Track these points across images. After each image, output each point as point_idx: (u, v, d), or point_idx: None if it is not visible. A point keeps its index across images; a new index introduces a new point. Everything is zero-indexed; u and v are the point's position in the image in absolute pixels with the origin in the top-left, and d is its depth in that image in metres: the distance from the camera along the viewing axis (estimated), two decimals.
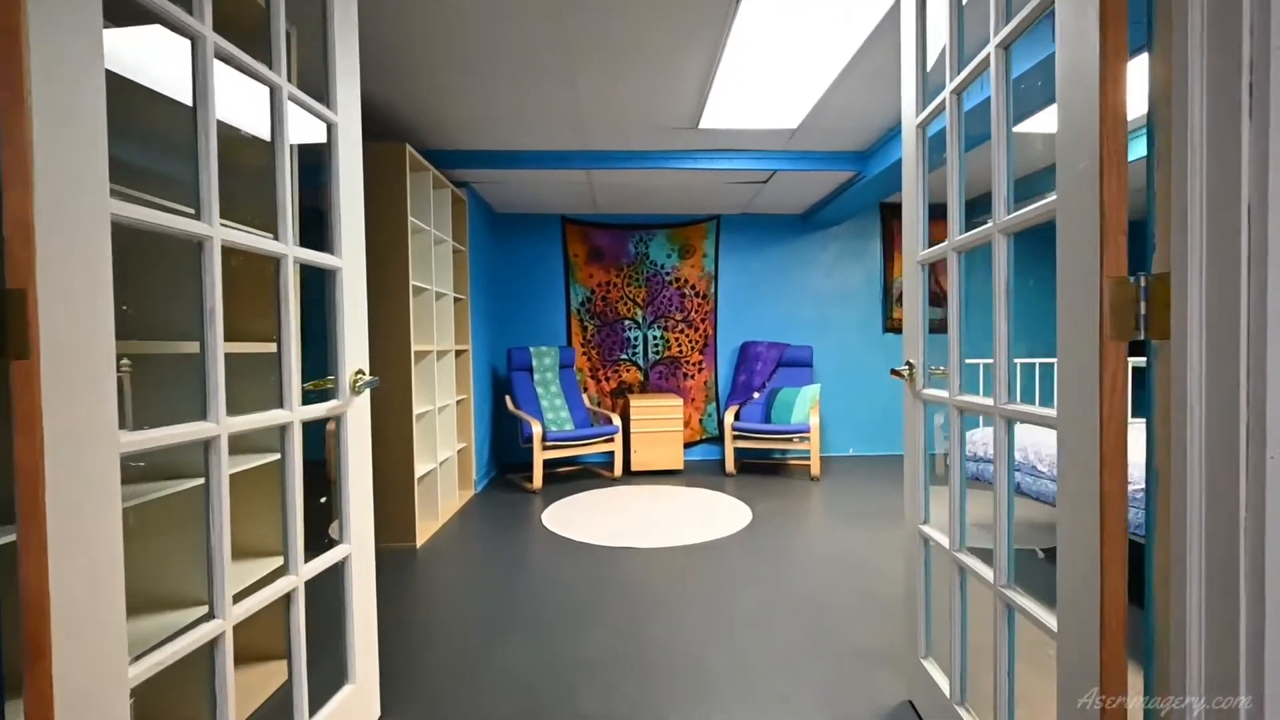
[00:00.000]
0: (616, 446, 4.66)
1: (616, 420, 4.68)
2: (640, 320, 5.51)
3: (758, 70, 2.79)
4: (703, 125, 3.58)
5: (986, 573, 1.33)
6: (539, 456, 4.32)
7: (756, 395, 5.27)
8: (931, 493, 1.72)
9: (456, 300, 4.26)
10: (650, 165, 4.13)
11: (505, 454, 5.37)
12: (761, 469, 5.09)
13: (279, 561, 1.80)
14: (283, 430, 1.39)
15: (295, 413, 1.39)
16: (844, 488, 4.43)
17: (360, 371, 1.60)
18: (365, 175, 2.40)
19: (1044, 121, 2.19)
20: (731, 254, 5.64)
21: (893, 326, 5.77)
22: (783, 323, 5.69)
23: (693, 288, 5.57)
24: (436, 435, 3.49)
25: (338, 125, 1.52)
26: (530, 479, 4.36)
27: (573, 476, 4.88)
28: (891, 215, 5.78)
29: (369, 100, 3.03)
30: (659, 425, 4.84)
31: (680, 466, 4.90)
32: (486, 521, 3.67)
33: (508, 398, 4.79)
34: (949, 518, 1.51)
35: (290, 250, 1.37)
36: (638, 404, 4.84)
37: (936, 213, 1.64)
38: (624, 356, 5.50)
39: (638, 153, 4.10)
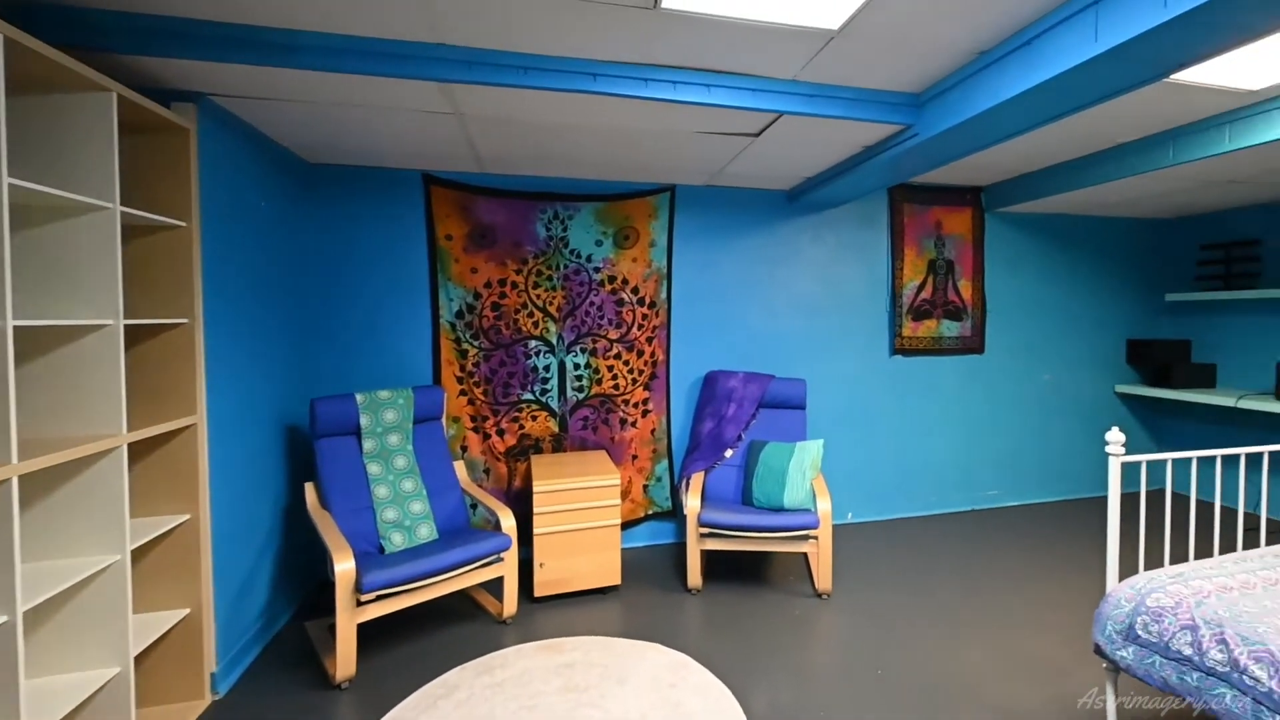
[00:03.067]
0: (509, 568, 2.77)
1: (509, 524, 2.78)
2: (554, 341, 3.61)
3: None
4: (667, 4, 1.75)
5: None
6: (346, 622, 2.30)
7: (729, 453, 3.54)
8: None
9: (157, 330, 2.17)
10: (566, 85, 2.22)
11: (321, 567, 3.33)
12: (737, 570, 3.38)
13: None
14: None
15: None
16: (874, 610, 2.77)
17: None
18: None
19: None
20: (692, 243, 3.84)
21: (903, 347, 4.21)
22: (762, 343, 3.98)
23: (634, 291, 3.73)
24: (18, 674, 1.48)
25: None
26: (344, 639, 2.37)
27: (428, 616, 2.96)
28: (902, 198, 4.19)
29: None
30: (580, 517, 3.00)
31: (617, 581, 3.08)
32: None
33: (309, 488, 2.77)
34: None
35: None
36: (546, 480, 2.95)
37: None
38: (528, 396, 3.60)
39: (542, 60, 2.18)
